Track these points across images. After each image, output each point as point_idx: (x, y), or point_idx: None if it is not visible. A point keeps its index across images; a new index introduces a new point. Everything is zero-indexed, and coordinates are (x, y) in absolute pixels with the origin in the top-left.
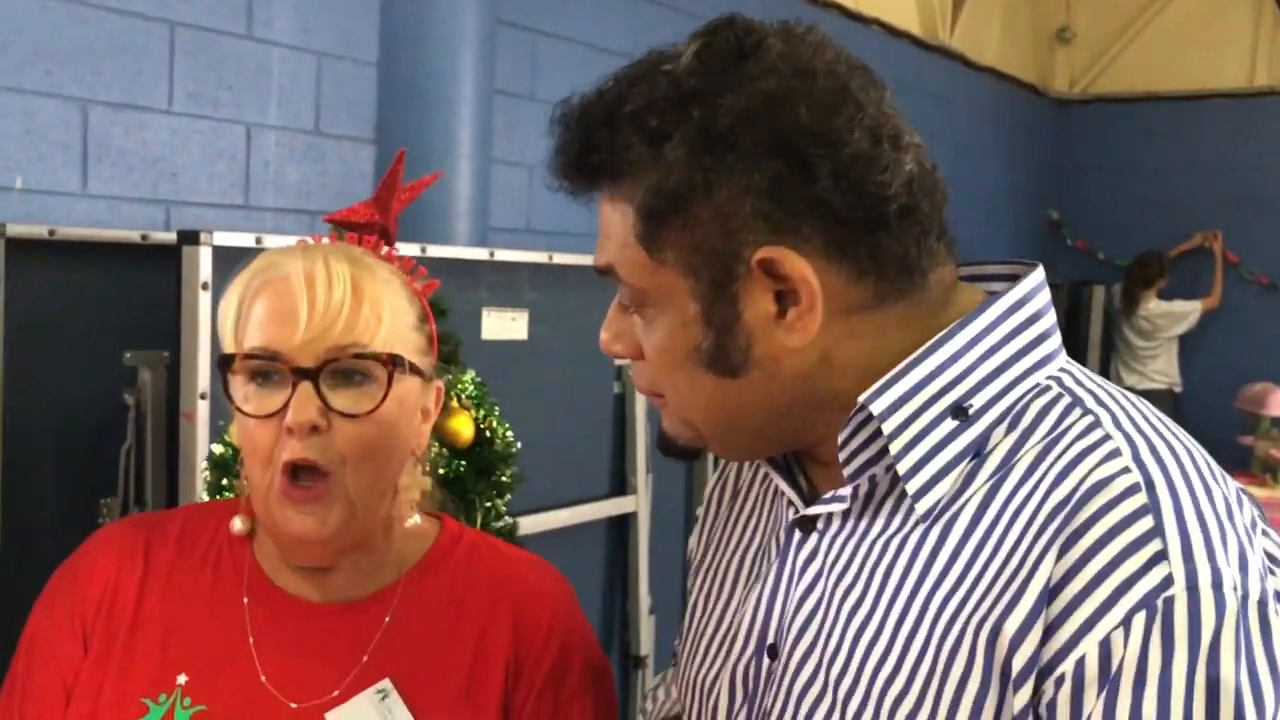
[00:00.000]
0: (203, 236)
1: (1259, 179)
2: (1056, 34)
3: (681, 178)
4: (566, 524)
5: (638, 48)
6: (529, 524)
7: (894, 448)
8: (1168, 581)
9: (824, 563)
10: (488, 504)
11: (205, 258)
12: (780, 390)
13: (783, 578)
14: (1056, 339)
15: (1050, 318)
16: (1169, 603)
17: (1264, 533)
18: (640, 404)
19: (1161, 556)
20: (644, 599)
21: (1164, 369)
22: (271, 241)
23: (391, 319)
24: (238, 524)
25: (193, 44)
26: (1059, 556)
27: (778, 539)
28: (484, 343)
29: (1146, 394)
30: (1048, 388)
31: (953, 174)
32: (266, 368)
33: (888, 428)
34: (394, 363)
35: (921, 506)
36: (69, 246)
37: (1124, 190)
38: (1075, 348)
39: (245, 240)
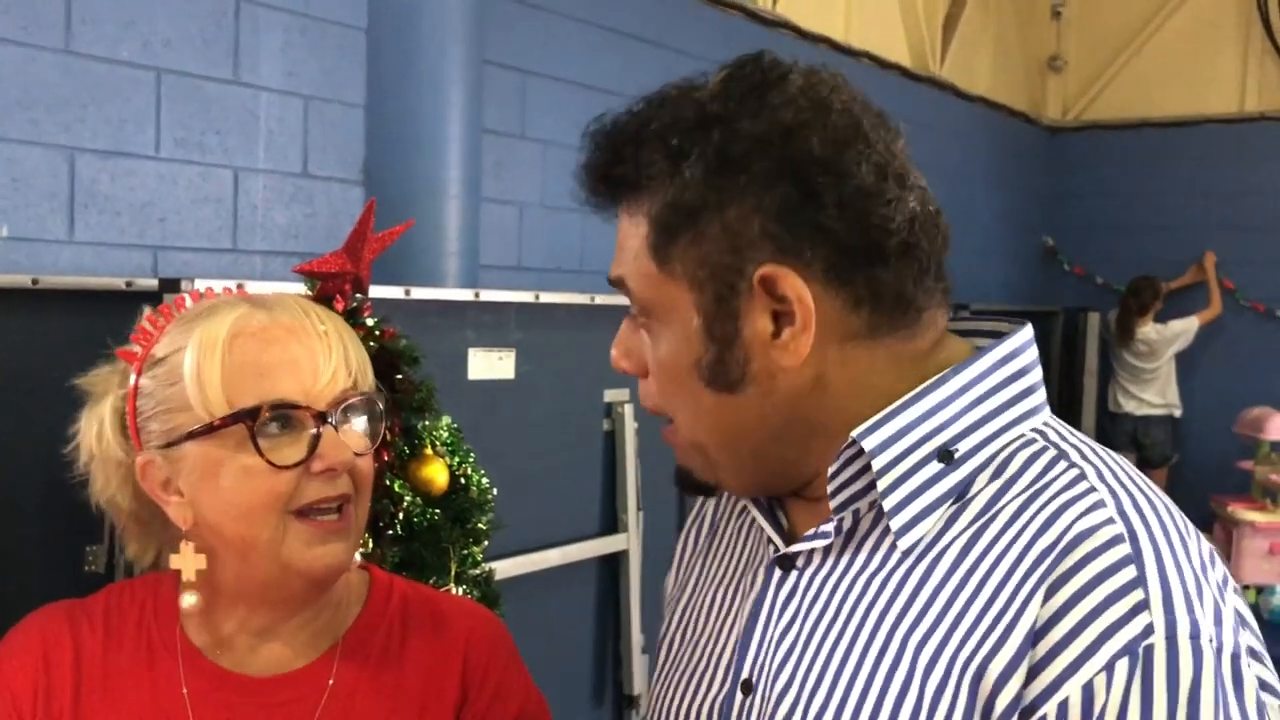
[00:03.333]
0: (184, 284)
1: (1254, 204)
2: (1047, 62)
3: (696, 194)
4: (557, 564)
5: (626, 85)
6: (518, 564)
7: (881, 484)
8: (1149, 630)
9: (804, 600)
10: (464, 552)
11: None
12: (774, 410)
13: (760, 614)
14: (1042, 394)
15: (1037, 374)
16: (1149, 651)
17: (1235, 591)
18: (630, 441)
19: (1144, 606)
20: (636, 638)
21: (1163, 393)
22: (253, 287)
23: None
24: (189, 600)
25: (179, 90)
26: (1045, 600)
27: (754, 575)
28: (471, 383)
29: (1145, 419)
30: (1033, 440)
31: (946, 203)
32: (288, 415)
33: (877, 464)
34: (384, 400)
35: (904, 544)
36: (53, 295)
37: (1118, 216)
38: (1072, 375)
39: (228, 286)
